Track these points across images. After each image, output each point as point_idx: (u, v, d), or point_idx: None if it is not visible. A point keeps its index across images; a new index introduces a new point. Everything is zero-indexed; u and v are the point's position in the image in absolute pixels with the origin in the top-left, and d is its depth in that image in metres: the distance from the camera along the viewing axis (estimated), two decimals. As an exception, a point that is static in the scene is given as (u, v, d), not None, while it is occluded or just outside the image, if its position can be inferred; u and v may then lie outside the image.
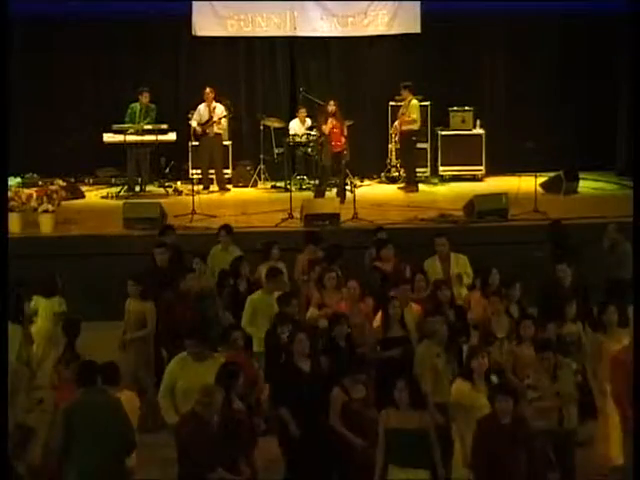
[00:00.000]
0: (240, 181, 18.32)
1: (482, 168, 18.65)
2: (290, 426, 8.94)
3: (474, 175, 18.68)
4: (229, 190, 17.99)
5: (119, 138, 17.37)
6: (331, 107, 16.94)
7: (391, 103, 18.45)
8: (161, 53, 18.87)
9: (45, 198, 15.23)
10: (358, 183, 17.60)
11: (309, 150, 17.80)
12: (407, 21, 18.64)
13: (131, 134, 17.40)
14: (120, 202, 16.13)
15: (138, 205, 15.66)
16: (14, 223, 14.45)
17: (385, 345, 10.07)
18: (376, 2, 18.72)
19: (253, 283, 11.54)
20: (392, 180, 18.46)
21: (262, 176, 18.35)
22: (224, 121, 18.00)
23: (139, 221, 14.92)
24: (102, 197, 17.60)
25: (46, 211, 15.00)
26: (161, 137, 17.47)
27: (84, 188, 17.87)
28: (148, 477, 9.40)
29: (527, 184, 15.89)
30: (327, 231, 14.46)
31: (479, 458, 8.07)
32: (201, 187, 17.57)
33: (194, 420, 8.15)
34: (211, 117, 17.82)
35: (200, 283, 11.69)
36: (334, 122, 16.85)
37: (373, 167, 18.76)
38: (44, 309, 11.27)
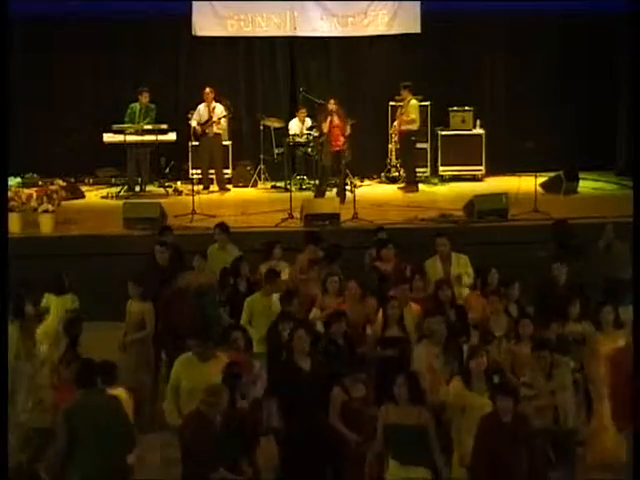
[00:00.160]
0: (240, 181, 18.33)
1: (482, 168, 18.65)
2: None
3: (474, 175, 18.68)
4: (229, 190, 17.99)
5: (119, 138, 17.37)
6: (331, 106, 16.93)
7: (391, 103, 18.46)
8: (161, 53, 18.87)
9: (45, 198, 15.23)
10: (358, 183, 17.60)
11: (309, 150, 17.81)
12: (407, 21, 18.64)
13: (131, 134, 17.40)
14: (120, 202, 16.13)
15: (138, 205, 15.65)
16: (14, 223, 14.45)
17: (383, 344, 10.07)
18: (376, 2, 18.72)
19: (254, 283, 11.54)
20: (392, 180, 18.46)
21: (262, 176, 18.35)
22: (224, 121, 18.01)
23: (139, 221, 14.91)
24: (102, 197, 17.61)
25: (46, 211, 15.00)
26: (161, 137, 17.47)
27: (84, 188, 17.87)
28: (148, 477, 9.40)
29: (527, 184, 15.88)
30: (327, 231, 14.46)
31: (480, 456, 8.09)
32: (201, 187, 17.57)
33: (199, 420, 8.17)
34: (211, 117, 17.82)
35: (199, 279, 11.71)
36: (334, 121, 16.84)
37: (373, 167, 18.76)
38: (56, 306, 11.30)
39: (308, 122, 18.01)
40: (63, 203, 16.05)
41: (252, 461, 8.60)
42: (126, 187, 17.69)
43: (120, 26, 18.18)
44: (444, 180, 18.58)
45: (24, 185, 16.19)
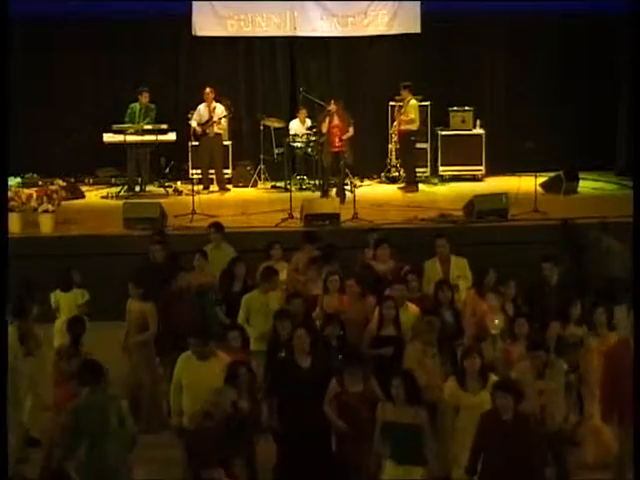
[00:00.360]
0: (240, 181, 18.32)
1: (482, 168, 18.65)
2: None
3: (474, 175, 18.68)
4: (229, 190, 17.98)
5: (119, 138, 17.36)
6: (331, 106, 16.94)
7: (391, 103, 18.45)
8: (161, 53, 18.87)
9: (45, 198, 15.22)
10: (358, 183, 17.60)
11: (309, 150, 17.80)
12: (407, 21, 18.63)
13: (131, 134, 17.39)
14: (120, 202, 16.12)
15: (138, 205, 15.65)
16: (14, 223, 14.45)
17: (377, 344, 10.10)
18: (376, 2, 18.72)
19: (253, 285, 11.53)
20: (392, 180, 18.46)
21: (262, 176, 18.35)
22: (224, 121, 18.00)
23: (139, 221, 14.90)
24: (102, 197, 17.60)
25: (46, 211, 15.00)
26: (161, 137, 17.46)
27: (84, 188, 17.86)
28: (148, 477, 9.41)
29: (527, 184, 15.88)
30: (327, 231, 14.48)
31: (481, 453, 8.12)
32: (201, 187, 17.57)
33: (206, 420, 8.18)
34: (211, 117, 17.82)
35: (200, 279, 11.73)
36: (333, 121, 16.84)
37: (373, 167, 18.76)
38: (66, 303, 11.30)
39: (308, 122, 18.00)
40: (63, 203, 16.04)
41: (251, 460, 8.63)
42: (126, 187, 17.68)
43: (120, 26, 18.17)
44: (444, 180, 18.57)
45: (24, 185, 16.17)
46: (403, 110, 17.71)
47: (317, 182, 17.63)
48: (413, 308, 10.50)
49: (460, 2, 18.01)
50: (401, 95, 17.83)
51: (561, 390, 9.13)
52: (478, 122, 18.63)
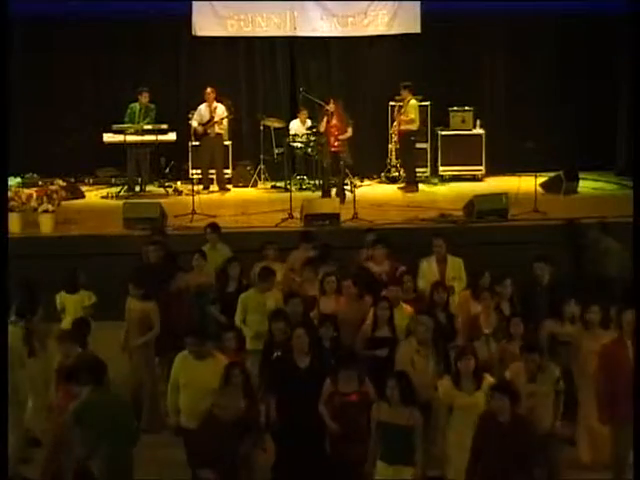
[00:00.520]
0: (240, 181, 18.32)
1: (482, 168, 18.65)
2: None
3: (474, 175, 18.69)
4: (229, 190, 17.99)
5: (119, 138, 17.36)
6: (329, 106, 16.94)
7: (391, 103, 18.46)
8: (161, 53, 18.87)
9: (45, 198, 15.23)
10: (358, 183, 17.60)
11: (309, 150, 17.79)
12: (407, 21, 18.64)
13: (131, 134, 17.39)
14: (120, 202, 16.12)
15: (138, 205, 15.65)
16: (14, 223, 14.45)
17: (371, 345, 10.10)
18: (376, 2, 18.72)
19: (246, 285, 11.53)
20: (392, 180, 18.46)
21: (262, 176, 18.35)
22: (225, 121, 18.00)
23: (139, 221, 14.90)
24: (102, 197, 17.60)
25: (46, 211, 15.00)
26: (161, 137, 17.46)
27: (84, 188, 17.87)
28: (148, 477, 9.42)
29: (527, 184, 15.88)
30: (327, 231, 14.48)
31: (480, 455, 8.12)
32: (201, 187, 17.57)
33: (212, 422, 8.19)
34: (212, 117, 17.81)
35: (199, 279, 11.72)
36: (331, 121, 16.83)
37: (373, 167, 18.76)
38: (73, 304, 11.29)
39: (309, 123, 18.00)
40: (63, 203, 16.04)
41: (250, 460, 8.64)
42: (126, 187, 17.68)
43: (120, 26, 18.18)
44: (444, 180, 18.58)
45: (24, 185, 16.17)
46: (403, 110, 17.72)
47: (317, 182, 17.63)
48: (408, 309, 10.49)
49: (460, 2, 18.01)
50: (401, 95, 17.83)
51: (552, 394, 9.14)
52: (478, 122, 18.63)
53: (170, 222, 15.17)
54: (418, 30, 18.51)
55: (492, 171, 18.61)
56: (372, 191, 17.91)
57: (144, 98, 17.59)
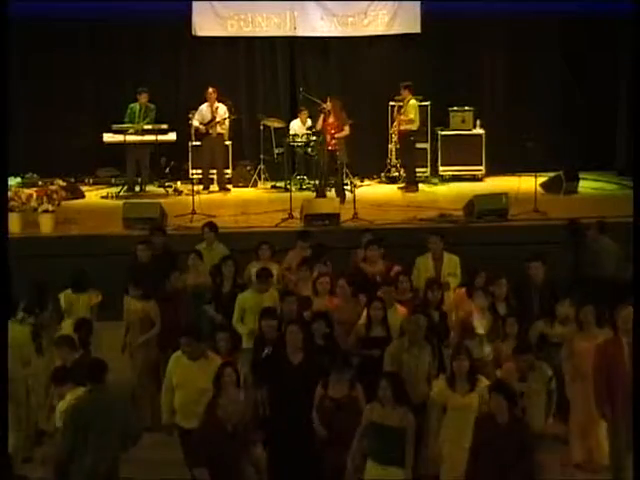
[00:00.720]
0: (240, 181, 18.32)
1: (482, 168, 18.65)
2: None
3: (474, 175, 18.68)
4: (229, 190, 17.99)
5: (119, 138, 17.36)
6: (326, 105, 16.94)
7: (391, 103, 18.46)
8: (161, 53, 18.87)
9: (45, 198, 15.23)
10: (358, 183, 17.60)
11: (309, 150, 17.79)
12: (407, 21, 18.65)
13: (131, 134, 17.39)
14: (120, 202, 16.12)
15: (138, 205, 15.65)
16: (14, 223, 14.45)
17: (365, 345, 10.09)
18: (376, 2, 18.73)
19: (242, 284, 11.54)
20: (392, 180, 18.46)
21: (262, 176, 18.35)
22: (227, 121, 18.00)
23: (139, 221, 14.90)
24: (102, 197, 17.61)
25: (46, 211, 15.00)
26: (161, 137, 17.46)
27: (84, 188, 17.87)
28: (148, 477, 9.42)
29: (527, 184, 15.88)
30: (327, 231, 14.48)
31: (477, 455, 8.14)
32: (201, 187, 17.57)
33: (216, 424, 8.19)
34: (214, 117, 17.81)
35: (196, 280, 11.72)
36: (327, 120, 16.83)
37: (373, 167, 18.76)
38: (80, 303, 11.29)
39: (309, 123, 18.00)
40: (63, 203, 16.05)
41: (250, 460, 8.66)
42: (126, 187, 17.68)
43: (120, 26, 18.20)
44: (444, 180, 18.57)
45: (24, 185, 16.17)
46: (403, 110, 17.72)
47: (317, 182, 17.63)
48: (402, 310, 10.46)
49: (460, 2, 18.01)
50: (401, 95, 17.84)
51: (543, 393, 9.15)
52: (478, 122, 18.63)
53: (170, 222, 15.17)
54: (418, 30, 18.52)
55: (492, 171, 18.61)
56: (372, 191, 17.91)
57: (143, 98, 17.59)
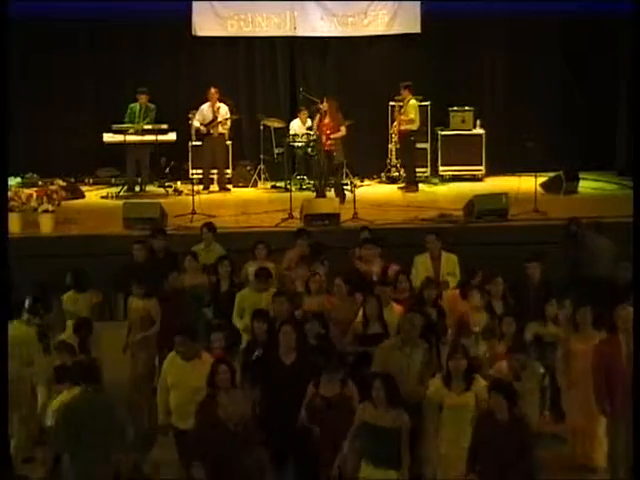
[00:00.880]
0: (240, 181, 18.32)
1: (482, 168, 18.65)
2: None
3: (474, 175, 18.68)
4: (229, 190, 17.98)
5: (119, 138, 17.36)
6: (322, 105, 16.94)
7: (391, 103, 18.45)
8: (161, 53, 18.86)
9: (45, 198, 15.23)
10: (358, 183, 17.59)
11: (309, 150, 17.78)
12: (407, 21, 18.65)
13: (131, 134, 17.39)
14: (120, 202, 16.12)
15: (138, 205, 15.65)
16: (14, 223, 14.44)
17: (362, 342, 10.08)
18: (376, 2, 18.73)
19: (239, 284, 11.54)
20: (392, 180, 18.46)
21: (262, 176, 18.35)
22: (229, 121, 17.99)
23: (139, 221, 14.90)
24: (102, 197, 17.60)
25: (46, 211, 15.00)
26: (161, 137, 17.46)
27: (84, 188, 17.86)
28: (148, 477, 9.42)
29: (527, 184, 15.88)
30: (326, 231, 14.48)
31: (477, 454, 8.16)
32: (201, 187, 17.57)
33: (218, 424, 8.21)
34: (215, 117, 17.81)
35: (194, 281, 11.72)
36: (323, 120, 16.82)
37: (373, 167, 18.75)
38: (81, 303, 11.29)
39: (309, 123, 18.00)
40: (63, 203, 16.05)
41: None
42: (126, 187, 17.68)
43: (120, 26, 18.19)
44: (444, 180, 18.57)
45: (24, 185, 16.18)
46: (403, 110, 17.72)
47: (317, 182, 17.63)
48: (398, 308, 10.45)
49: (460, 2, 18.01)
50: (401, 95, 17.83)
51: (537, 391, 9.16)
52: (478, 122, 18.63)
53: (170, 222, 15.17)
54: (418, 30, 18.52)
55: (492, 171, 18.61)
56: (372, 191, 17.91)
57: (143, 98, 17.59)
